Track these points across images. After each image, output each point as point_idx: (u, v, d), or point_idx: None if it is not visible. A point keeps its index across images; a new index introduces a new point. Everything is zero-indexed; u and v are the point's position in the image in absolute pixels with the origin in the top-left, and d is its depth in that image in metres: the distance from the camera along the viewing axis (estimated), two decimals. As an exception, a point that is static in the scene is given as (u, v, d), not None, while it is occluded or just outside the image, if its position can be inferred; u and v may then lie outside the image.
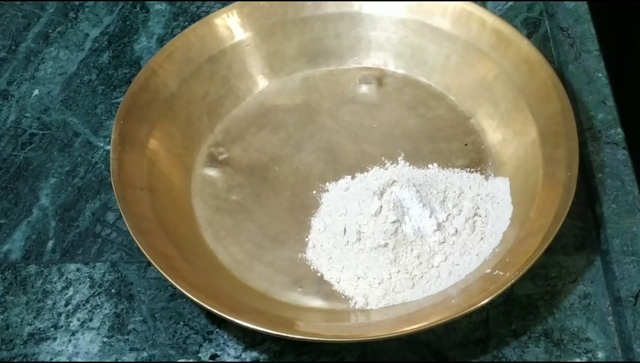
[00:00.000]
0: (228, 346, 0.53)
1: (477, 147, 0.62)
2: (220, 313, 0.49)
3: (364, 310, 0.53)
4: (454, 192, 0.58)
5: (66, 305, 0.56)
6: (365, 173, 0.60)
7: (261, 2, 0.67)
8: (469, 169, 0.60)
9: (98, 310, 0.56)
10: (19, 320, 0.55)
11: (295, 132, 0.65)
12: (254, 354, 0.53)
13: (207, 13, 0.74)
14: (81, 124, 0.68)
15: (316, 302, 0.54)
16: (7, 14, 0.78)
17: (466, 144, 0.62)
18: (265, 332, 0.48)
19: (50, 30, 0.76)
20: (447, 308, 0.49)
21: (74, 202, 0.62)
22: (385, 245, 0.54)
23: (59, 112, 0.69)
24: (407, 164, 0.60)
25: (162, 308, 0.55)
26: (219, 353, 0.53)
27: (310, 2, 0.68)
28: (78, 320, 0.55)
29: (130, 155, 0.58)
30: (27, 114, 0.69)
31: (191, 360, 0.53)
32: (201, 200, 0.60)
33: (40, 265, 0.58)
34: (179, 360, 0.53)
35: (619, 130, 0.60)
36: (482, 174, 0.60)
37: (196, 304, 0.52)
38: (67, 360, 0.53)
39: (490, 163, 0.61)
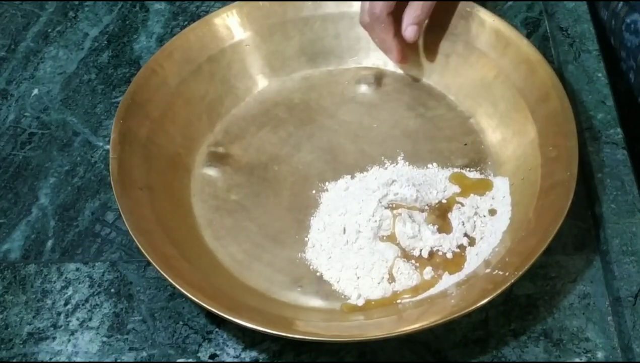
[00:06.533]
0: (227, 346, 0.53)
1: (476, 146, 0.62)
2: (219, 313, 0.49)
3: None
4: (454, 191, 0.58)
5: (65, 304, 0.56)
6: (365, 173, 0.60)
7: (261, 2, 0.67)
8: (468, 169, 0.60)
9: (97, 310, 0.55)
10: (18, 319, 0.55)
11: (295, 131, 0.65)
12: (254, 354, 0.53)
13: (207, 12, 0.74)
14: (80, 124, 0.68)
15: (315, 302, 0.54)
16: (6, 13, 0.78)
17: (466, 144, 0.62)
18: (265, 331, 0.48)
19: (49, 30, 0.76)
20: (446, 308, 0.49)
21: (74, 201, 0.62)
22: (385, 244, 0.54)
23: (59, 111, 0.69)
24: (407, 163, 0.60)
25: (162, 308, 0.55)
26: (218, 352, 0.53)
27: (310, 2, 0.68)
28: (77, 319, 0.55)
29: (129, 154, 0.58)
30: (26, 114, 0.69)
31: (190, 360, 0.53)
32: (201, 199, 0.60)
33: (39, 265, 0.58)
34: (178, 360, 0.53)
35: (619, 130, 0.60)
36: (481, 173, 0.60)
37: (195, 304, 0.52)
38: (67, 360, 0.53)
39: (489, 163, 0.61)
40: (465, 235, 0.55)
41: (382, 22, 0.61)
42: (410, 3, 0.61)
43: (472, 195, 0.58)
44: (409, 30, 0.61)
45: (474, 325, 0.53)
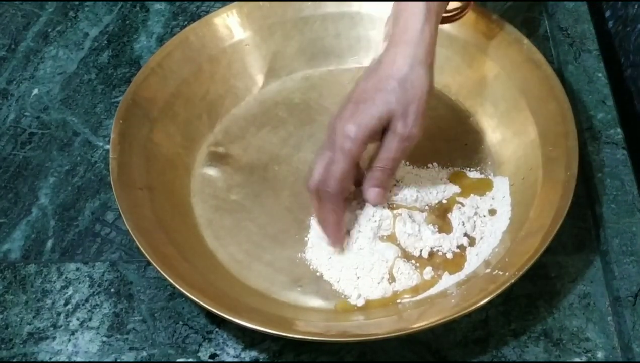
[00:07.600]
0: (227, 345, 0.53)
1: (476, 146, 0.62)
2: (219, 313, 0.49)
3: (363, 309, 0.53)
4: (454, 191, 0.58)
5: (65, 304, 0.56)
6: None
7: (261, 2, 0.67)
8: (468, 169, 0.60)
9: (97, 310, 0.55)
10: (18, 319, 0.55)
11: (295, 131, 0.65)
12: (254, 354, 0.53)
13: (207, 12, 0.74)
14: (81, 123, 0.68)
15: (315, 302, 0.54)
16: (6, 13, 0.78)
17: (466, 144, 0.62)
18: (265, 331, 0.48)
19: (49, 30, 0.76)
20: (446, 308, 0.49)
21: (74, 201, 0.62)
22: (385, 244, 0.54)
23: (59, 111, 0.69)
24: (407, 163, 0.60)
25: (162, 308, 0.55)
26: (218, 352, 0.53)
27: (310, 2, 0.68)
28: (77, 319, 0.55)
29: (129, 154, 0.58)
30: (26, 113, 0.69)
31: (190, 360, 0.53)
32: (201, 199, 0.60)
33: (39, 265, 0.58)
34: (178, 360, 0.53)
35: (619, 130, 0.60)
36: (481, 173, 0.60)
37: (195, 304, 0.52)
38: (67, 360, 0.53)
39: (489, 163, 0.61)
40: (465, 235, 0.55)
41: (332, 202, 0.52)
42: (373, 167, 0.53)
43: (472, 195, 0.58)
44: (371, 193, 0.54)
45: (474, 325, 0.53)
